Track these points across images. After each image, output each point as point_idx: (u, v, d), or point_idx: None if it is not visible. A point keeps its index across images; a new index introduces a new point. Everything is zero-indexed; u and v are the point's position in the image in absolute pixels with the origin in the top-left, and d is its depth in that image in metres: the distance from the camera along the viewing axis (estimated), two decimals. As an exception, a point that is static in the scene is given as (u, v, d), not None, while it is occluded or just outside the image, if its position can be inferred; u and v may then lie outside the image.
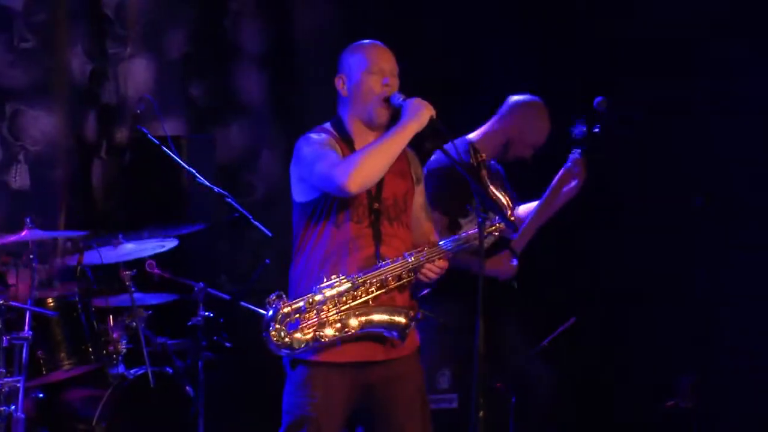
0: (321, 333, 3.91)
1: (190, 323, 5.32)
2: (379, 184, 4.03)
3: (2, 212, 5.91)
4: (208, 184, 5.38)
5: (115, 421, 5.22)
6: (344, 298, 3.93)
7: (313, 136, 4.08)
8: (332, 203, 4.01)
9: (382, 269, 3.97)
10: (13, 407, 4.84)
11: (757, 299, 6.08)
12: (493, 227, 4.09)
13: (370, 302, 3.97)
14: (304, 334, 3.90)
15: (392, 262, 3.98)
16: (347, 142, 4.07)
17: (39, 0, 6.04)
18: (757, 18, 6.11)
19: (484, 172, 4.01)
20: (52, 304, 5.21)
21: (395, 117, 4.02)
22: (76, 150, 6.20)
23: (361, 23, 6.52)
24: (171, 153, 5.46)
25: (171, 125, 6.15)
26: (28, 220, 5.02)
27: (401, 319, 3.99)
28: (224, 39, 6.73)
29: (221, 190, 5.33)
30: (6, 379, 4.85)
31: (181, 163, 5.46)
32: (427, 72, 6.01)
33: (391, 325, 3.98)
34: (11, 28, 5.97)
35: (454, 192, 4.83)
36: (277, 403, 4.09)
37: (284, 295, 3.94)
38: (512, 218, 4.07)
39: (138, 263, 5.40)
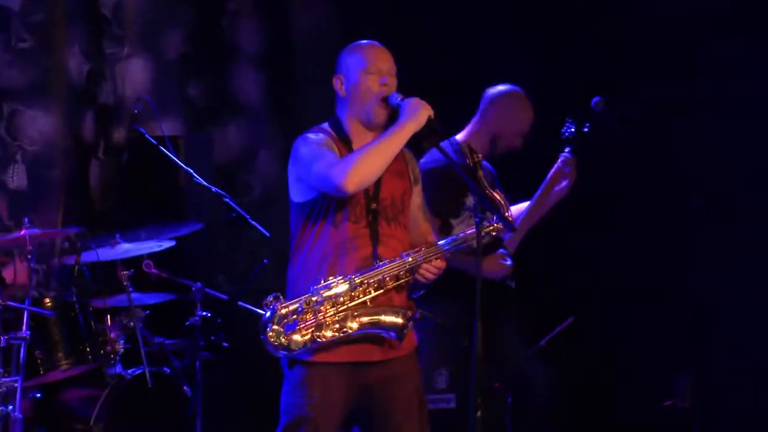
0: (319, 334, 3.90)
1: (187, 323, 5.31)
2: (377, 184, 4.02)
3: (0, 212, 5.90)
4: (205, 184, 5.38)
5: (112, 421, 5.21)
6: (342, 299, 3.92)
7: (311, 136, 4.07)
8: (330, 203, 4.00)
9: (379, 269, 3.96)
10: (10, 407, 4.83)
11: (757, 299, 6.07)
12: (491, 227, 4.08)
13: (368, 303, 3.95)
14: (302, 336, 3.89)
15: (390, 262, 3.97)
16: (345, 142, 4.06)
17: (36, 0, 6.02)
18: (757, 18, 6.10)
19: (480, 173, 4.00)
20: (49, 304, 5.20)
21: (393, 117, 4.01)
22: (74, 150, 6.19)
23: (359, 23, 6.52)
24: (168, 153, 5.46)
25: (168, 125, 6.13)
26: (26, 219, 5.02)
27: (399, 320, 3.97)
28: (222, 39, 6.72)
29: (219, 190, 5.33)
30: (4, 379, 4.85)
31: (179, 163, 5.46)
32: (427, 72, 6.01)
33: (388, 326, 3.97)
34: (8, 28, 5.94)
35: (451, 192, 4.82)
36: (274, 403, 4.08)
37: (281, 297, 3.93)
38: (510, 218, 4.07)
39: (135, 262, 5.39)
